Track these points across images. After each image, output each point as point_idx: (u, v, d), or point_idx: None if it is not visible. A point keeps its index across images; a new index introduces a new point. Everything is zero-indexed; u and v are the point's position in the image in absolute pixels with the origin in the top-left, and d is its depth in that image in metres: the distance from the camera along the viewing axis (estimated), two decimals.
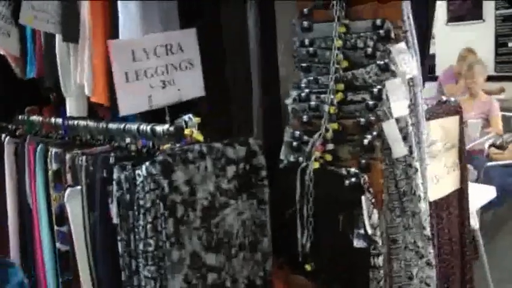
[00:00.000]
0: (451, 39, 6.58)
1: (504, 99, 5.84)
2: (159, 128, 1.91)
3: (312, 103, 1.92)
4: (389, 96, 1.71)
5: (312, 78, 1.95)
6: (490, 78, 6.25)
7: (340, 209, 1.73)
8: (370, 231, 1.65)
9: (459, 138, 2.14)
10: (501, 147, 4.09)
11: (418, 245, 1.76)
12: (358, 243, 1.67)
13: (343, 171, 1.74)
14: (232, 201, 1.87)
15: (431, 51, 7.31)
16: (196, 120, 1.89)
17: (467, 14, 6.46)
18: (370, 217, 1.66)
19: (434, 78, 6.41)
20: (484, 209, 3.89)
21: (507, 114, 5.39)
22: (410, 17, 1.78)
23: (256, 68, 2.08)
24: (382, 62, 1.74)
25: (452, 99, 2.19)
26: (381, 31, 1.75)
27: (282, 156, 1.98)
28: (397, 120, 1.71)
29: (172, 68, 2.02)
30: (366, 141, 1.71)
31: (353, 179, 1.69)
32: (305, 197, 1.86)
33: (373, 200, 1.67)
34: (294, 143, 1.95)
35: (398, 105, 1.70)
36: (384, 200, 1.71)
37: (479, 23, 6.40)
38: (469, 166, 3.69)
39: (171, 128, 1.88)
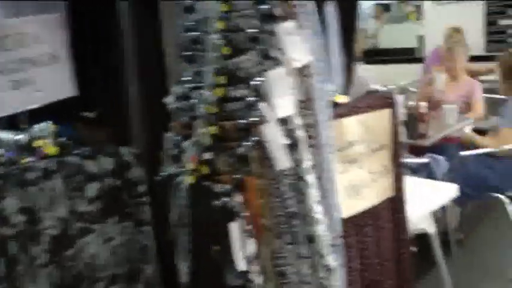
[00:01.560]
0: (439, 19, 6.12)
1: (494, 81, 5.39)
2: (6, 137, 1.56)
3: (193, 101, 1.55)
4: (272, 91, 1.33)
5: (195, 70, 1.58)
6: (480, 58, 5.83)
7: (213, 238, 1.37)
8: (243, 267, 1.28)
9: (391, 136, 1.76)
10: (481, 133, 3.68)
11: (318, 277, 1.39)
12: (231, 280, 1.31)
13: (218, 188, 1.38)
14: (95, 226, 1.51)
15: (420, 32, 6.86)
16: (52, 128, 1.53)
17: None
18: (244, 248, 1.29)
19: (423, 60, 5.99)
20: (462, 204, 3.56)
21: (495, 96, 4.96)
22: None
23: (134, 61, 1.70)
24: (263, 47, 1.36)
25: (384, 89, 1.80)
26: (263, 7, 1.37)
27: (164, 168, 1.62)
28: (283, 121, 1.34)
29: (29, 63, 1.66)
30: (240, 150, 1.34)
31: (224, 200, 1.33)
32: (181, 218, 1.50)
33: (248, 227, 1.30)
34: (174, 151, 1.59)
35: (283, 102, 1.33)
36: (266, 225, 1.34)
37: (469, 1, 5.93)
38: (440, 157, 3.32)
39: (19, 138, 1.53)
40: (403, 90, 5.55)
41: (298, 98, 1.35)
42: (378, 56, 7.54)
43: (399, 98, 3.63)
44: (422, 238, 2.44)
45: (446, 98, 4.26)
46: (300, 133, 1.34)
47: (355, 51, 1.78)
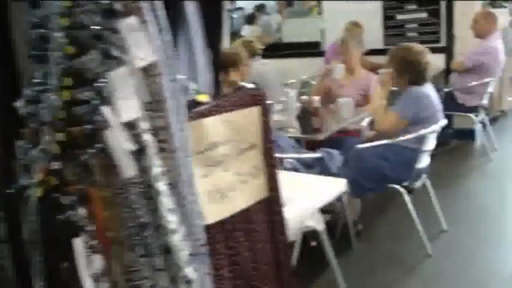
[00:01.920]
0: (338, 13, 6.23)
1: None
2: None
3: (42, 105, 1.41)
4: (115, 93, 1.23)
5: (44, 71, 1.44)
6: (379, 52, 5.97)
7: (61, 255, 1.26)
8: (89, 286, 1.18)
9: (262, 135, 1.70)
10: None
11: None
12: None
13: (65, 200, 1.26)
14: None
15: (321, 26, 6.95)
16: None
17: None
18: (90, 265, 1.19)
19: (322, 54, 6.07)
20: (360, 196, 3.62)
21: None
22: None
23: None
24: (104, 46, 1.26)
25: (251, 85, 1.74)
26: (104, 1, 1.26)
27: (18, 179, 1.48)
28: (128, 125, 1.24)
29: None
30: (84, 158, 1.23)
31: (68, 213, 1.22)
32: (32, 235, 1.37)
33: (93, 242, 1.20)
34: (25, 161, 1.44)
35: (127, 105, 1.23)
36: (115, 237, 1.24)
37: None
38: (334, 151, 3.34)
39: None
40: (305, 84, 5.62)
41: (145, 100, 1.26)
42: (282, 50, 7.59)
43: (291, 93, 3.64)
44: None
45: (343, 91, 4.33)
46: (148, 137, 1.25)
47: (221, 49, 1.70)
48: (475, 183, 4.66)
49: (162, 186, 1.25)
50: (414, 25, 5.87)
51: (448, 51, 5.65)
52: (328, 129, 3.55)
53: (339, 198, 3.19)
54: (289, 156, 3.08)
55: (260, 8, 9.81)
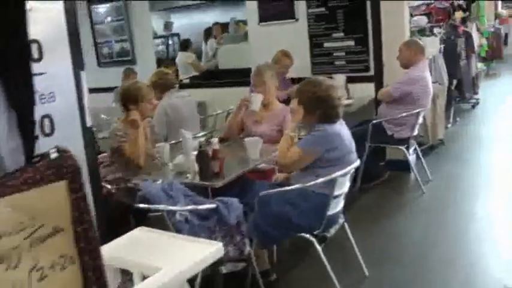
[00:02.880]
0: (265, 41, 5.99)
1: None
2: None
3: None
4: None
5: None
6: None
7: None
8: None
9: (73, 215, 1.34)
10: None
11: None
12: None
13: None
14: None
15: (245, 53, 6.67)
16: None
17: (279, 13, 5.88)
18: None
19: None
20: (269, 246, 3.32)
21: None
22: None
23: None
24: None
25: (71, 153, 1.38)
26: None
27: None
28: None
29: None
30: None
31: None
32: None
33: None
34: None
35: None
36: None
37: (292, 23, 5.85)
38: (232, 200, 2.99)
39: None
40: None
41: None
42: (218, 77, 7.32)
43: (187, 134, 3.30)
44: None
45: (257, 128, 4.03)
46: None
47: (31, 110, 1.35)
48: (405, 219, 4.39)
49: None
50: (342, 53, 5.65)
51: (377, 80, 5.44)
52: (232, 173, 3.22)
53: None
54: (177, 208, 2.73)
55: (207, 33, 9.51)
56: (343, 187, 3.14)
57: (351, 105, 5.22)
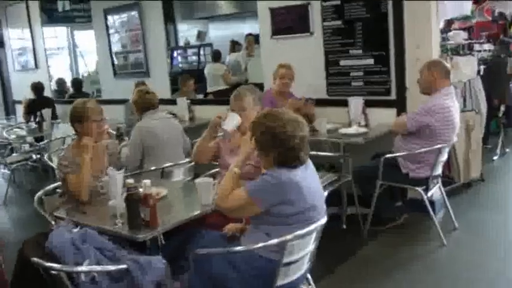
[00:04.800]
0: (277, 55, 5.33)
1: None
2: None
3: None
4: None
5: None
6: (323, 102, 5.05)
7: None
8: None
9: None
10: None
11: None
12: None
13: None
14: None
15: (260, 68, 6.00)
16: None
17: (293, 26, 5.20)
18: None
19: None
20: None
21: (320, 154, 4.13)
22: None
23: None
24: None
25: None
26: None
27: None
28: None
29: None
30: None
31: None
32: None
33: None
34: None
35: None
36: None
37: (307, 37, 5.15)
38: (150, 259, 2.36)
39: None
40: None
41: None
42: None
43: (115, 173, 2.71)
44: None
45: (231, 159, 3.35)
46: None
47: None
48: (412, 277, 3.60)
49: None
50: (360, 73, 4.89)
51: (399, 105, 4.66)
52: (171, 221, 2.61)
53: None
54: (69, 270, 2.16)
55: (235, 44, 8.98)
56: (302, 251, 2.44)
57: (367, 134, 4.48)
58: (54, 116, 7.41)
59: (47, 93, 8.18)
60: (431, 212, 4.05)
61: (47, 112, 6.82)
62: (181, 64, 9.55)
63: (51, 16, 9.09)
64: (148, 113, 4.24)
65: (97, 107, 3.29)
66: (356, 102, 4.73)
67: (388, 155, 4.08)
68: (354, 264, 3.85)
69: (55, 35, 9.99)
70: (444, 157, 4.09)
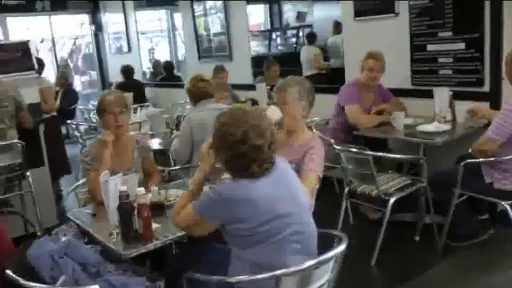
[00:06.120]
0: (360, 38, 4.78)
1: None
2: None
3: None
4: None
5: None
6: (407, 93, 4.45)
7: None
8: None
9: None
10: None
11: None
12: None
13: None
14: None
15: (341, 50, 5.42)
16: None
17: (377, 6, 4.58)
18: None
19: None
20: None
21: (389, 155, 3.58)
22: None
23: None
24: None
25: None
26: None
27: None
28: None
29: None
30: None
31: None
32: None
33: None
34: None
35: None
36: None
37: (392, 18, 4.53)
38: (130, 280, 2.09)
39: None
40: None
41: None
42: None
43: (109, 178, 2.43)
44: None
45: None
46: None
47: None
48: None
49: None
50: (449, 59, 4.19)
51: (493, 98, 3.92)
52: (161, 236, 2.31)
53: None
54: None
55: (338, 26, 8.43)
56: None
57: (450, 132, 3.83)
58: (143, 100, 7.43)
59: (138, 76, 8.26)
60: None
61: (128, 96, 6.81)
62: (280, 46, 9.20)
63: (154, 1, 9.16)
64: (201, 103, 3.95)
65: (117, 99, 3.07)
66: (442, 94, 4.04)
67: (469, 160, 3.42)
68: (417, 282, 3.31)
69: (158, 18, 10.08)
70: None
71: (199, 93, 3.97)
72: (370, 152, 3.48)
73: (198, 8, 7.09)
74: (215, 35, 6.88)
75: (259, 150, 1.99)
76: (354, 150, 3.58)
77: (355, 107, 4.21)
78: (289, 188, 2.11)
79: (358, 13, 4.82)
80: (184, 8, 7.40)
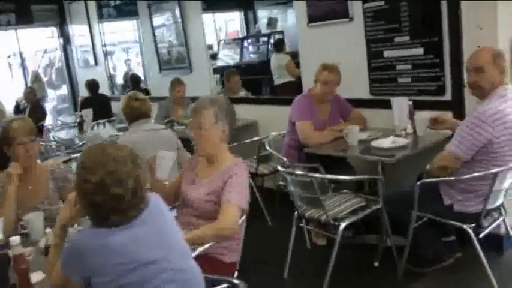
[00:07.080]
0: (315, 46, 4.45)
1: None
2: None
3: None
4: None
5: None
6: (366, 104, 4.12)
7: None
8: None
9: None
10: None
11: None
12: None
13: None
14: None
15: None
16: None
17: (331, 11, 4.25)
18: None
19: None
20: None
21: (339, 178, 3.21)
22: None
23: None
24: None
25: None
26: None
27: None
28: None
29: None
30: None
31: None
32: None
33: None
34: None
35: None
36: None
37: (346, 23, 4.19)
38: None
39: None
40: None
41: None
42: None
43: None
44: None
45: (192, 191, 2.63)
46: None
47: None
48: None
49: None
50: (407, 66, 3.85)
51: (455, 108, 3.59)
52: None
53: None
54: None
55: None
56: None
57: (415, 146, 3.50)
58: (108, 114, 7.10)
59: (105, 90, 7.93)
60: (481, 254, 2.97)
61: (87, 112, 6.48)
62: (252, 54, 8.87)
63: (119, 11, 8.81)
64: (136, 124, 3.62)
65: (26, 126, 2.73)
66: (401, 104, 3.72)
67: (426, 180, 3.07)
68: None
69: (128, 29, 9.75)
70: (505, 185, 2.99)
71: (133, 114, 3.64)
72: (315, 175, 3.14)
73: (158, 19, 6.75)
74: (174, 46, 6.54)
75: (118, 200, 1.64)
76: (297, 172, 3.22)
77: (306, 123, 3.87)
78: (161, 233, 1.77)
79: (311, 18, 4.48)
80: (144, 19, 7.07)
